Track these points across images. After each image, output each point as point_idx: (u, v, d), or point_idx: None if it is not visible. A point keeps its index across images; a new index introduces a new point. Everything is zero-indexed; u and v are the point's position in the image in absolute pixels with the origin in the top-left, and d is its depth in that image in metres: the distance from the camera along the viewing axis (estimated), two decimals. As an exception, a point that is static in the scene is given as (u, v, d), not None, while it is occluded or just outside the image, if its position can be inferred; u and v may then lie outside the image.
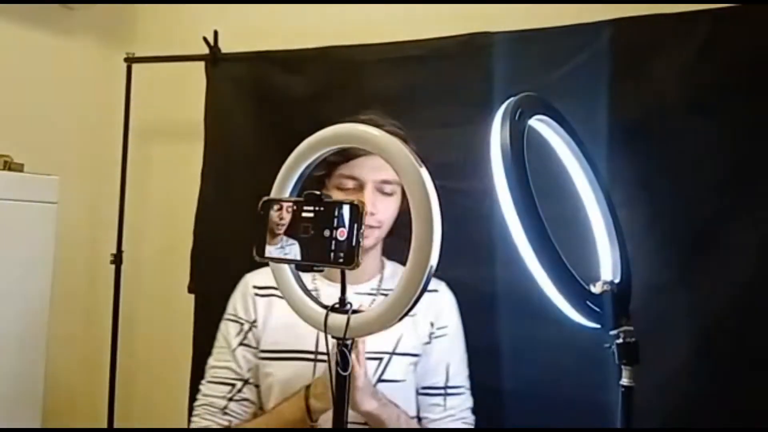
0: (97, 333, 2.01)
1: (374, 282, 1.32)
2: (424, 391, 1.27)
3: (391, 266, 1.37)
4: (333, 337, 0.80)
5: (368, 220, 1.19)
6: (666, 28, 1.33)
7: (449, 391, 1.27)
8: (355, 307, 0.99)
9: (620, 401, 0.84)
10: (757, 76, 1.26)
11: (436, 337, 1.29)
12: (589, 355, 1.17)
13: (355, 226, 0.74)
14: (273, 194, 0.88)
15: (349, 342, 0.80)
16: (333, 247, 0.75)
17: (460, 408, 1.27)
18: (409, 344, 1.26)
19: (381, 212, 1.23)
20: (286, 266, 0.86)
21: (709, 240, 1.28)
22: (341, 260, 0.75)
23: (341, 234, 0.75)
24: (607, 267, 0.93)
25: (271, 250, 0.78)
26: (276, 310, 1.25)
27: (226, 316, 1.30)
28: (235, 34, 1.78)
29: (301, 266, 0.80)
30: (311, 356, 1.20)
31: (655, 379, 1.06)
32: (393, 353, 1.23)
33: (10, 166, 1.58)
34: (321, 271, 0.78)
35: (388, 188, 1.22)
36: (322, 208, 0.77)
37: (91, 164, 2.07)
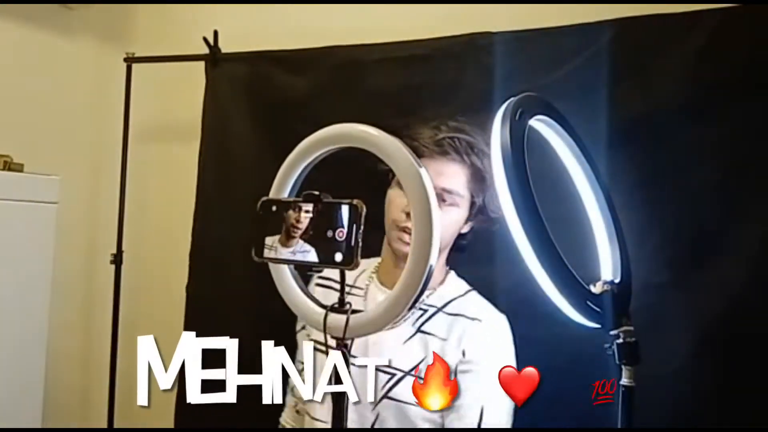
0: (97, 333, 2.01)
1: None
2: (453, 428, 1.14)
3: (454, 282, 1.25)
4: (332, 337, 0.80)
5: None
6: (667, 28, 1.33)
7: None
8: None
9: (620, 401, 0.84)
10: (757, 77, 1.26)
11: (461, 372, 1.15)
12: (591, 355, 1.18)
13: (355, 226, 0.74)
14: (272, 194, 0.88)
15: (348, 342, 0.80)
16: (332, 248, 0.75)
17: None
18: None
19: None
20: (285, 266, 0.86)
21: (710, 240, 1.28)
22: (340, 260, 0.75)
23: (340, 234, 0.75)
24: (608, 267, 0.93)
25: (283, 252, 0.77)
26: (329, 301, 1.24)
27: None
28: (235, 34, 1.77)
29: (300, 266, 0.80)
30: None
31: (656, 379, 1.06)
32: (408, 374, 1.14)
33: (10, 166, 1.57)
34: (320, 271, 0.78)
35: (448, 197, 1.15)
36: (321, 208, 0.77)
37: (91, 164, 2.06)
